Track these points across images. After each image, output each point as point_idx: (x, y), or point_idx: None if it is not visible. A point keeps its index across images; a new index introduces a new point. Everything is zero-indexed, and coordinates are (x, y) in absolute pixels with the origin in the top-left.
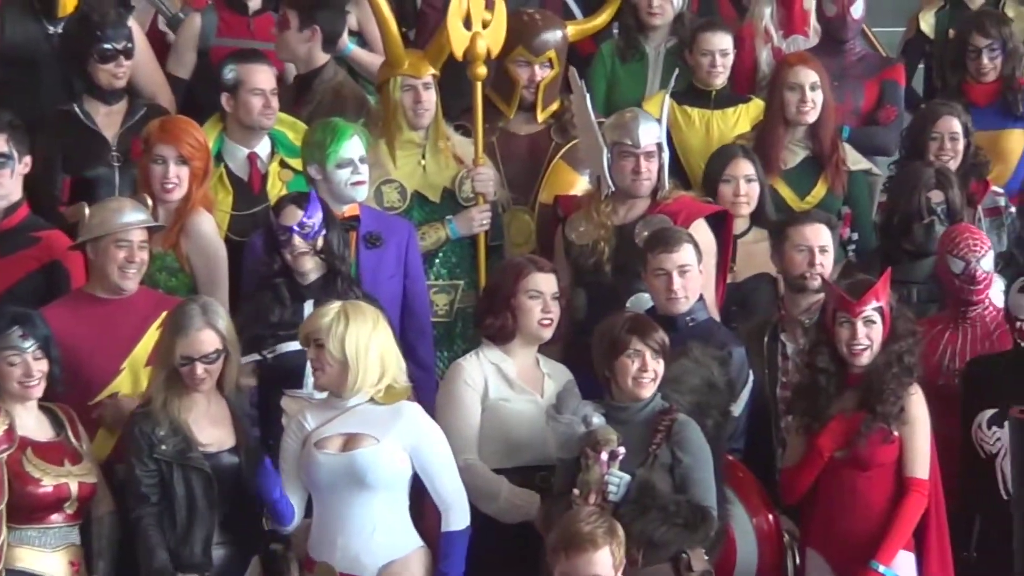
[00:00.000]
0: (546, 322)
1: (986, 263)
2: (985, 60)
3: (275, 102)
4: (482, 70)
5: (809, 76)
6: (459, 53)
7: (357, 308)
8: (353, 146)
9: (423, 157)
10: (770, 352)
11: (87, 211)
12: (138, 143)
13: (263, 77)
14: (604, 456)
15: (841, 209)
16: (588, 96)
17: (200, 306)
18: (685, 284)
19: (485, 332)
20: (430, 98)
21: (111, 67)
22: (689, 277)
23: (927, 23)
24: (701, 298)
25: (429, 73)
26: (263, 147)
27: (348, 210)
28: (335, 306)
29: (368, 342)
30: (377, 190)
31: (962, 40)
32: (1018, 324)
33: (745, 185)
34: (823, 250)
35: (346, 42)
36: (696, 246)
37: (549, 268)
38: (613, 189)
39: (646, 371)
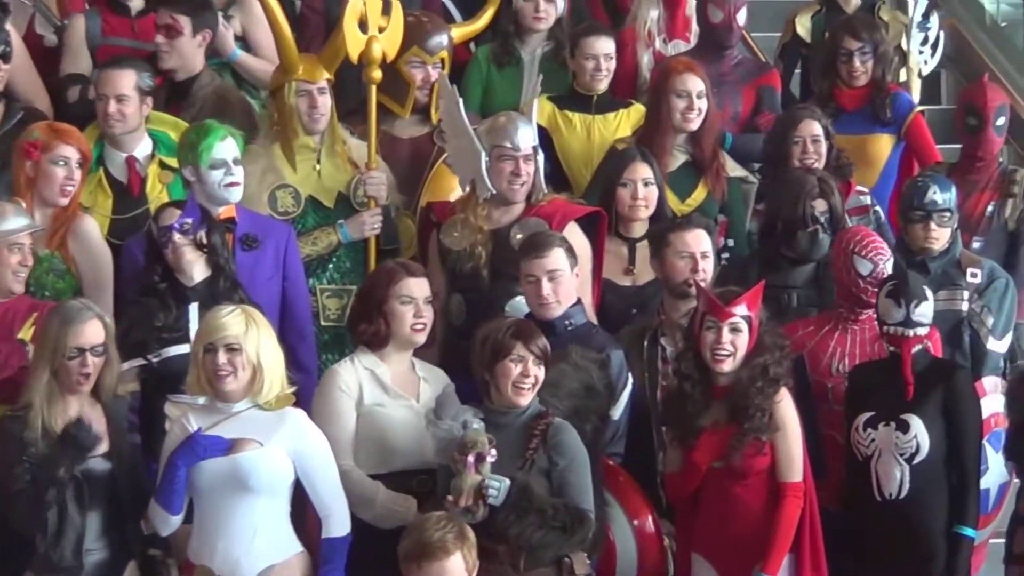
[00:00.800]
0: (419, 327)
1: (890, 266)
2: (856, 64)
3: (128, 107)
4: (377, 74)
5: (697, 84)
6: (355, 57)
7: (256, 312)
8: (226, 147)
9: (318, 162)
10: (650, 356)
11: None
12: (29, 146)
13: (123, 83)
14: (471, 459)
15: (717, 217)
16: (461, 100)
17: (83, 302)
18: (556, 289)
19: (359, 338)
20: (325, 103)
21: None
22: (560, 282)
23: (803, 27)
24: (579, 302)
25: (324, 78)
26: (142, 149)
27: (224, 212)
28: (234, 309)
29: (272, 346)
30: (271, 195)
31: (834, 43)
32: (885, 328)
33: (643, 189)
34: (704, 256)
35: (233, 47)
36: (569, 250)
37: (421, 273)
38: (494, 192)
39: (527, 376)
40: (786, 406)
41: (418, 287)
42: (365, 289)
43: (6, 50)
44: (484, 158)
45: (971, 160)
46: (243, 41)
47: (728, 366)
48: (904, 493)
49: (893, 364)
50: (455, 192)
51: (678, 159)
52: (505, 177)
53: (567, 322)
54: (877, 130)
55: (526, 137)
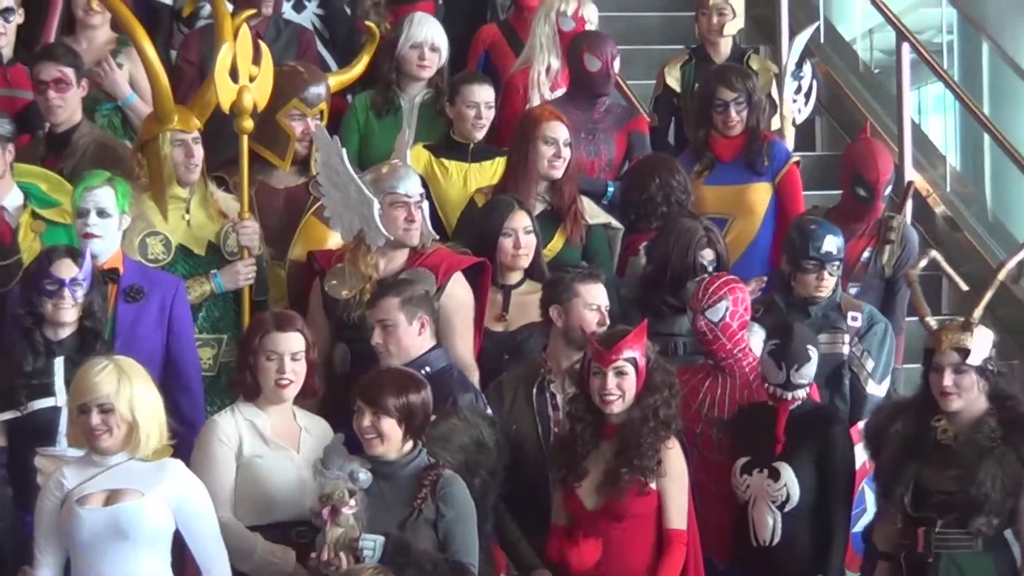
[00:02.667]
0: (283, 383)
1: (712, 314)
2: (732, 114)
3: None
4: (248, 123)
5: (564, 131)
6: (227, 106)
7: (129, 364)
8: (93, 196)
9: (187, 211)
10: (539, 404)
11: None
12: None
13: None
14: (325, 513)
15: (580, 263)
16: (344, 151)
17: None
18: (386, 338)
19: (234, 388)
20: (200, 153)
21: None
22: (390, 332)
23: (673, 78)
24: (437, 347)
25: (197, 128)
26: (11, 200)
27: (109, 262)
28: (106, 365)
29: (149, 399)
30: (142, 242)
31: (708, 94)
32: (766, 384)
33: (525, 237)
34: (607, 308)
35: (129, 91)
36: (410, 300)
37: (292, 327)
38: (390, 239)
39: (368, 430)
40: (676, 454)
41: (284, 342)
42: (241, 340)
43: None
44: (376, 206)
45: (856, 219)
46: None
47: (618, 408)
48: (776, 540)
49: (767, 411)
50: (328, 242)
51: (537, 207)
52: (400, 224)
53: (423, 370)
54: (754, 179)
55: (415, 184)
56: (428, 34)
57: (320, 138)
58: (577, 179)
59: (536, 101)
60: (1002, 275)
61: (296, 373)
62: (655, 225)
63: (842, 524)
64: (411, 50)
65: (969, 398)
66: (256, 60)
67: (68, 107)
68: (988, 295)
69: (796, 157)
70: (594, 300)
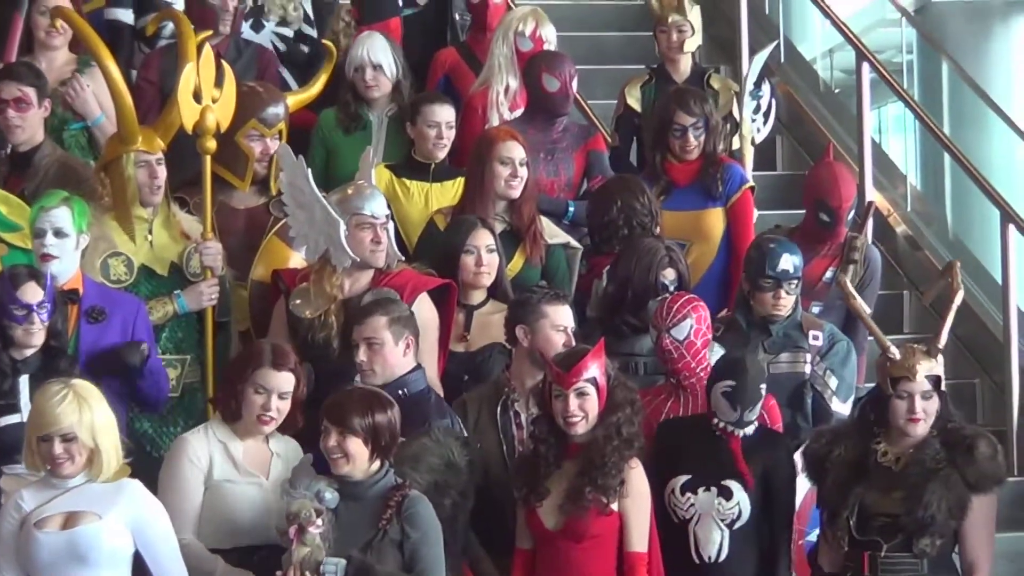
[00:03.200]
0: (266, 419)
1: (677, 333)
2: (690, 139)
3: None
4: (212, 144)
5: (520, 151)
6: (189, 127)
7: (86, 389)
8: (50, 217)
9: (150, 232)
10: (503, 423)
11: None
12: None
13: None
14: (291, 531)
15: (540, 283)
16: (309, 171)
17: None
18: (371, 357)
19: (218, 406)
20: (163, 174)
21: None
22: (376, 350)
23: (634, 98)
24: (418, 368)
25: (161, 148)
26: None
27: (69, 283)
28: (65, 393)
29: (106, 422)
30: (104, 263)
31: (665, 118)
32: (715, 420)
33: (487, 256)
34: (573, 330)
35: (98, 111)
36: (398, 320)
37: (286, 366)
38: (356, 260)
39: (334, 450)
40: (639, 475)
41: (275, 379)
42: (233, 362)
43: None
44: (342, 227)
45: (817, 241)
46: None
47: (581, 428)
48: (723, 556)
49: (706, 428)
50: (291, 263)
51: (497, 227)
52: (366, 245)
53: (401, 390)
54: (710, 205)
55: (381, 205)
56: (367, 54)
57: (285, 158)
58: (536, 199)
59: (495, 121)
60: (958, 299)
61: (280, 411)
62: (617, 248)
63: (786, 540)
64: (355, 73)
65: (930, 423)
66: (219, 81)
67: (28, 127)
68: (949, 319)
69: (750, 183)
70: (561, 322)
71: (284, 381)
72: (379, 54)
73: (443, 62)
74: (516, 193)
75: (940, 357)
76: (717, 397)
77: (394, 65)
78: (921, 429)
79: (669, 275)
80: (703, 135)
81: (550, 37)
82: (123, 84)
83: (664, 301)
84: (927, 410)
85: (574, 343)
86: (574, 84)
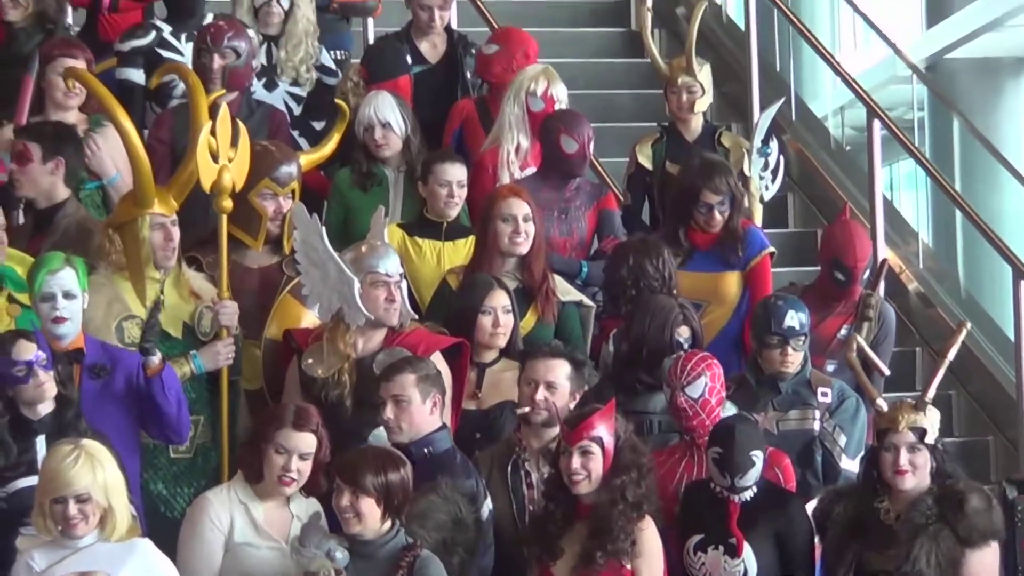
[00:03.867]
0: (287, 480)
1: (692, 391)
2: (716, 215)
3: (4, 238)
4: (228, 203)
5: (522, 207)
6: (207, 186)
7: (96, 449)
8: (57, 280)
9: (161, 292)
10: (514, 482)
11: None
12: None
13: None
14: None
15: (553, 342)
16: (323, 229)
17: None
18: (398, 414)
19: (241, 465)
20: (177, 235)
21: None
22: (403, 408)
23: (644, 156)
24: (443, 427)
25: (175, 210)
26: None
27: (72, 343)
28: (77, 454)
29: (116, 480)
30: (118, 326)
31: (692, 194)
32: (711, 484)
33: (504, 316)
34: (550, 386)
35: (113, 170)
36: (425, 378)
37: (308, 426)
38: (371, 318)
39: (346, 510)
40: (650, 534)
41: (296, 440)
42: (258, 421)
43: None
44: (356, 285)
45: (832, 298)
46: None
47: (584, 488)
48: None
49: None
50: (304, 322)
51: (508, 285)
52: (380, 304)
53: (425, 449)
54: (728, 268)
55: (395, 263)
56: (375, 113)
57: (299, 217)
58: (545, 256)
59: (506, 180)
60: (950, 355)
61: (301, 472)
62: (624, 310)
63: None
64: (365, 132)
65: (921, 476)
66: (234, 140)
67: (29, 182)
68: (939, 375)
69: (770, 248)
70: (533, 375)
71: (305, 442)
72: (387, 112)
73: (460, 111)
74: (522, 250)
75: (933, 412)
76: (710, 462)
77: (402, 122)
78: (909, 482)
79: (683, 333)
80: (728, 210)
81: (561, 96)
82: (140, 145)
83: (679, 359)
84: (915, 463)
85: (549, 397)
86: (591, 146)
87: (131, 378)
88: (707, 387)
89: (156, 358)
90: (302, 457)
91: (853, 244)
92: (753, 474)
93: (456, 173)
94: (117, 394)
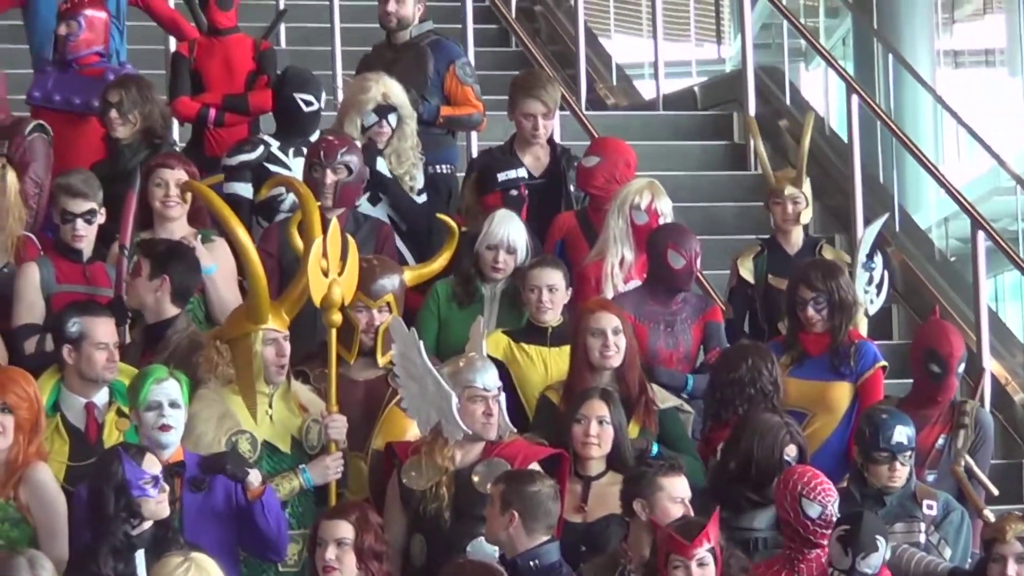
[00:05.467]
0: (328, 569)
1: (835, 506)
2: (811, 312)
3: (117, 355)
4: (338, 317)
5: (612, 321)
6: (318, 301)
7: (206, 561)
8: (163, 389)
9: (270, 406)
10: None
11: None
12: None
13: (106, 331)
14: None
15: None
16: (421, 343)
17: (27, 559)
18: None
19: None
20: (288, 350)
21: None
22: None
23: (746, 269)
24: (551, 540)
25: (287, 325)
26: (101, 396)
27: (173, 455)
28: (184, 563)
29: None
30: (229, 441)
31: (791, 290)
32: (830, 570)
33: (597, 426)
34: (690, 499)
35: (209, 262)
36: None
37: (339, 515)
38: (468, 432)
39: None
40: None
41: (330, 529)
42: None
43: None
44: (454, 400)
45: (929, 401)
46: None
47: None
48: None
49: None
50: (409, 434)
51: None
52: (478, 418)
53: (532, 562)
54: (837, 378)
55: (493, 377)
56: (505, 235)
57: (397, 330)
58: (649, 368)
59: (609, 293)
60: None
61: (342, 562)
62: (739, 407)
63: None
64: (487, 251)
65: None
66: (343, 255)
67: (135, 294)
68: None
69: (883, 362)
70: (678, 494)
71: (338, 530)
72: (517, 240)
73: (561, 226)
74: (613, 363)
75: None
76: (833, 543)
77: (526, 252)
78: None
79: (792, 452)
80: (826, 310)
81: (665, 210)
82: (257, 260)
83: (792, 475)
84: (1022, 574)
85: (692, 513)
86: (698, 261)
87: (231, 494)
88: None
89: (256, 480)
90: (339, 544)
91: (947, 334)
92: (874, 561)
93: (546, 278)
94: (217, 509)
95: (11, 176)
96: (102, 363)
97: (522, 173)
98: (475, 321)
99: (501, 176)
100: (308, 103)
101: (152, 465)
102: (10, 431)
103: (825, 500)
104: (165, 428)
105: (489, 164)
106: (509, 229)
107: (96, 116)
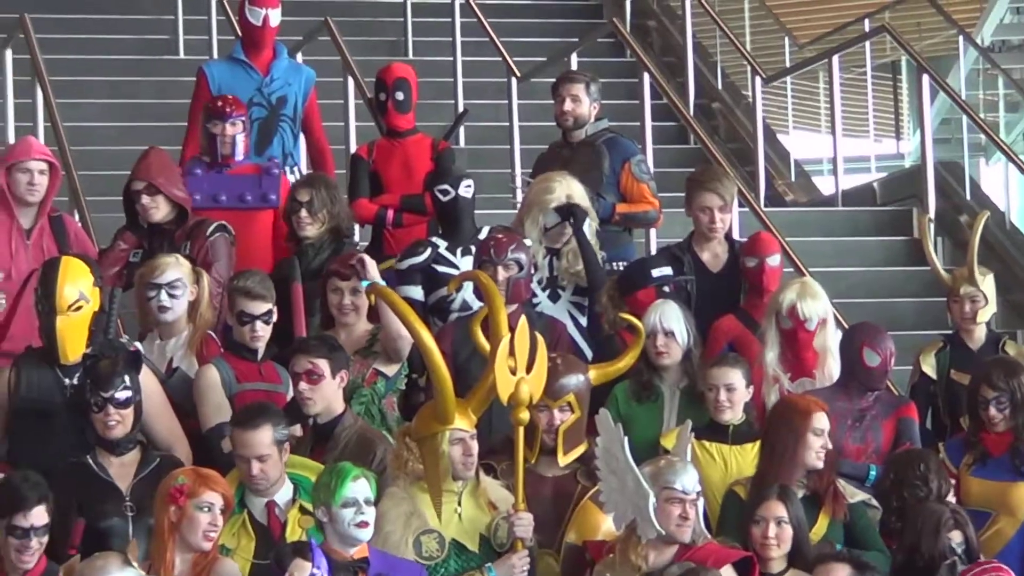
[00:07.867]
0: None
1: None
2: (992, 411)
3: (271, 468)
4: (525, 415)
5: (827, 422)
6: (505, 398)
7: None
8: (358, 487)
9: (459, 504)
10: None
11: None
12: (175, 491)
13: (255, 444)
14: None
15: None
16: (625, 439)
17: None
18: None
19: None
20: (476, 448)
21: (102, 416)
22: None
23: (928, 365)
24: None
25: (474, 424)
26: (283, 495)
27: (357, 552)
28: None
29: None
30: (416, 540)
31: (972, 389)
32: None
33: (775, 527)
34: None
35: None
36: None
37: None
38: (662, 533)
39: None
40: None
41: None
42: None
43: (120, 396)
44: (652, 499)
45: None
46: None
47: None
48: None
49: None
50: (601, 530)
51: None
52: (673, 520)
53: None
54: (1020, 478)
55: (693, 480)
56: (660, 321)
57: (603, 424)
58: (834, 463)
59: (769, 394)
60: None
61: None
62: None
63: None
64: (647, 340)
65: None
66: (532, 352)
67: (321, 398)
68: None
69: None
70: None
71: None
72: (672, 322)
73: (725, 331)
74: (822, 464)
75: None
76: None
77: (686, 333)
78: None
79: (956, 537)
80: (1008, 409)
81: (808, 313)
82: (442, 362)
83: (969, 570)
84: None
85: None
86: (892, 360)
87: None
88: None
89: None
90: None
91: None
92: None
93: (723, 377)
94: None
95: (205, 279)
96: (246, 474)
97: (669, 271)
98: (683, 424)
99: (655, 272)
100: (445, 192)
101: (301, 570)
102: (220, 527)
103: None
104: (362, 525)
105: (637, 264)
106: (662, 314)
107: (257, 211)
